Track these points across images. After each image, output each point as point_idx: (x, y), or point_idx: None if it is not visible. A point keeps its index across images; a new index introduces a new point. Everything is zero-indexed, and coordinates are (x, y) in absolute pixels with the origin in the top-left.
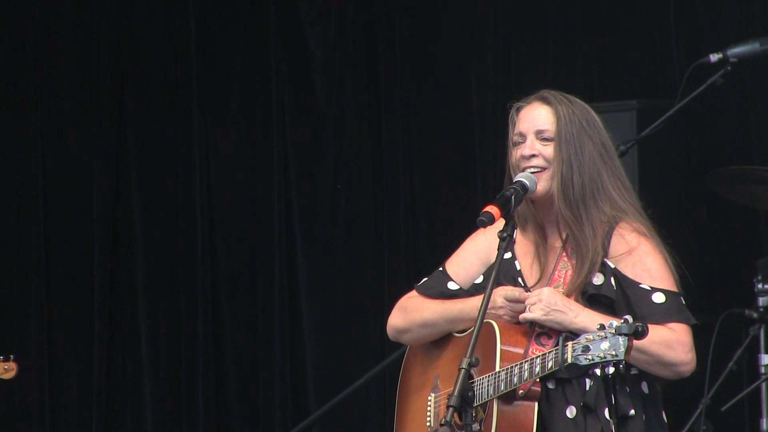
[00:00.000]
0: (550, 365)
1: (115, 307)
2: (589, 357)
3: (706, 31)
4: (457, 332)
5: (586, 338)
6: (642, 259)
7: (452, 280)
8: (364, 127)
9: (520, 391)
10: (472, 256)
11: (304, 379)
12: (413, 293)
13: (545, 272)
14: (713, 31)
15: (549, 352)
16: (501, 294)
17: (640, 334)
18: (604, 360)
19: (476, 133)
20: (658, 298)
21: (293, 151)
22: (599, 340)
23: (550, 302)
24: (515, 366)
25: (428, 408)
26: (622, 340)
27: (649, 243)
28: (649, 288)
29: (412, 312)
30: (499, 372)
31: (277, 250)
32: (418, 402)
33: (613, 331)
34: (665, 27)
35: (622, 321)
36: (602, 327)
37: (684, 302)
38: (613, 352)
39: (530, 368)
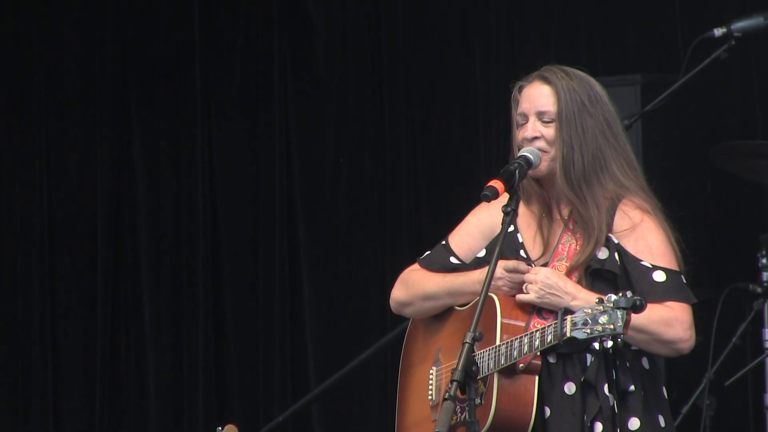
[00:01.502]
0: (549, 339)
1: (119, 282)
2: (588, 331)
3: (710, 5)
4: (459, 306)
5: (585, 312)
6: (644, 236)
7: (455, 254)
8: (367, 100)
9: (521, 365)
10: (474, 229)
11: (305, 354)
12: (415, 266)
13: (549, 245)
14: (717, 5)
15: (548, 326)
16: (501, 265)
17: (638, 307)
18: (602, 333)
19: (480, 108)
20: (659, 276)
21: (295, 125)
22: (598, 314)
23: (546, 284)
24: (515, 340)
25: (430, 381)
26: (620, 314)
27: (652, 220)
28: (650, 266)
29: (414, 285)
30: (499, 345)
31: (278, 225)
32: (419, 375)
33: (612, 304)
34: (670, 1)
35: (620, 295)
36: (601, 301)
37: (684, 281)
38: (612, 326)
39: (530, 342)
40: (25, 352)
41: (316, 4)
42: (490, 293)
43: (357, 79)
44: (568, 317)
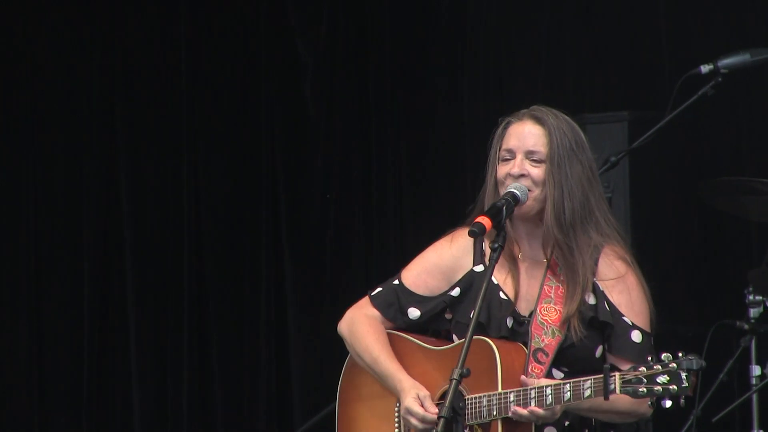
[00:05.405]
0: (588, 393)
1: (105, 315)
2: (643, 389)
3: (697, 42)
4: (427, 344)
5: (636, 371)
6: (628, 290)
7: (413, 300)
8: (354, 136)
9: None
10: (434, 267)
11: (290, 390)
12: (367, 305)
13: (530, 288)
14: (704, 42)
15: (588, 379)
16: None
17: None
18: (661, 393)
19: (467, 143)
20: (636, 336)
21: (282, 160)
22: (656, 374)
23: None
24: (531, 389)
25: (396, 416)
26: (684, 375)
27: (634, 275)
28: (630, 323)
29: (356, 336)
30: (508, 392)
31: (265, 260)
32: (379, 409)
33: (675, 365)
34: (656, 38)
35: (682, 355)
36: (654, 360)
37: (653, 343)
38: (674, 387)
39: (557, 394)
40: (12, 381)
41: (304, 40)
42: (485, 338)
43: (345, 114)
44: (617, 374)
